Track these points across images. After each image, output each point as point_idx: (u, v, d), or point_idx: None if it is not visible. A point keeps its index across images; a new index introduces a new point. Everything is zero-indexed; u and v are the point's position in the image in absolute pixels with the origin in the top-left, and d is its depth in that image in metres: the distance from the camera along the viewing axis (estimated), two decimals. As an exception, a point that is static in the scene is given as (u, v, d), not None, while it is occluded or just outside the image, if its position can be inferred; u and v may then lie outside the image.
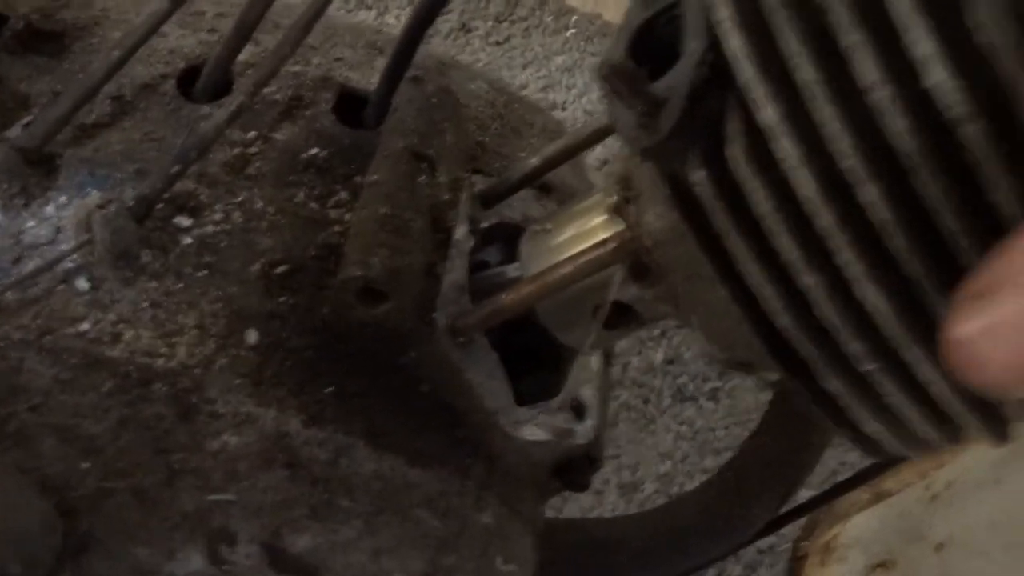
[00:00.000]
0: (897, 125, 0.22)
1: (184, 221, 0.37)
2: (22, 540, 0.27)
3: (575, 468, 0.41)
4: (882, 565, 0.62)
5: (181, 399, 0.32)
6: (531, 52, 1.09)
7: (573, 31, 1.12)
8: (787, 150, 0.24)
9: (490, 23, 1.11)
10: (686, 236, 0.28)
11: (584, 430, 0.41)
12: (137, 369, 0.33)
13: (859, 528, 0.68)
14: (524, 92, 1.03)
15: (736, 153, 0.26)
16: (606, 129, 0.38)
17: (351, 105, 0.43)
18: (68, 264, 0.35)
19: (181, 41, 0.43)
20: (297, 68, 0.43)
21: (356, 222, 0.36)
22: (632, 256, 0.31)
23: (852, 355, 0.27)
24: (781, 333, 0.28)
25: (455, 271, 0.38)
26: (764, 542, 0.80)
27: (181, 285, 0.35)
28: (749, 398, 0.88)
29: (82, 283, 0.34)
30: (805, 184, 0.24)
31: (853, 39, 0.22)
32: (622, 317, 0.36)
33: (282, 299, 0.36)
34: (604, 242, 0.32)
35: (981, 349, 0.19)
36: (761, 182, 0.25)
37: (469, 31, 1.10)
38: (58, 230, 0.36)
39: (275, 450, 0.33)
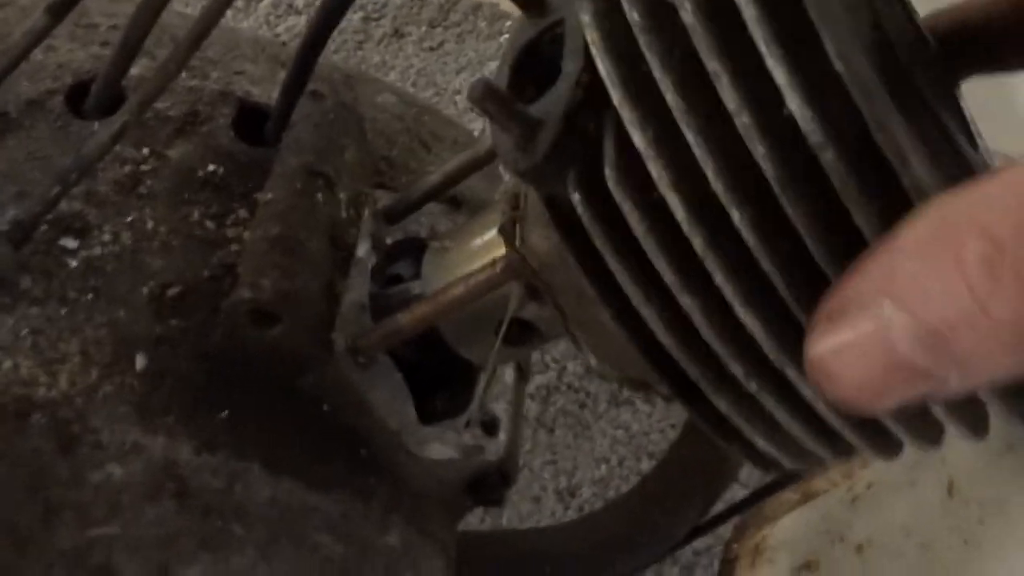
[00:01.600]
0: (758, 150, 0.22)
1: (70, 243, 0.36)
2: None
3: (487, 484, 0.41)
4: (807, 566, 0.63)
5: (61, 430, 0.31)
6: (465, 57, 1.09)
7: (507, 36, 1.11)
8: (659, 173, 0.24)
9: (423, 28, 1.10)
10: (568, 258, 0.27)
11: (495, 446, 0.40)
12: (14, 400, 0.31)
13: (786, 530, 0.69)
14: (458, 98, 1.03)
15: (612, 175, 0.25)
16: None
17: (251, 121, 0.42)
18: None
19: (71, 55, 0.42)
20: (194, 83, 0.42)
21: (249, 243, 0.35)
22: (521, 276, 0.31)
23: (735, 375, 0.27)
24: (667, 353, 0.28)
25: (355, 290, 0.38)
26: (700, 543, 0.80)
27: (65, 310, 0.34)
28: (684, 401, 0.89)
29: (-43, 311, 0.33)
30: (677, 207, 0.24)
31: (714, 66, 0.22)
32: (524, 333, 0.36)
33: (173, 322, 0.35)
34: (494, 262, 0.32)
35: (833, 367, 0.19)
36: (636, 204, 0.25)
37: (402, 36, 1.09)
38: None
39: (163, 480, 0.32)
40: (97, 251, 0.36)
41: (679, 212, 0.24)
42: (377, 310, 0.38)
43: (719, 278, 0.24)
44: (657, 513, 0.53)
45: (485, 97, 0.25)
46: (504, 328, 0.35)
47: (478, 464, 0.39)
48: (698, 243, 0.24)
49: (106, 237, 0.36)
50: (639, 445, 0.86)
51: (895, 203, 0.20)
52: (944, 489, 0.51)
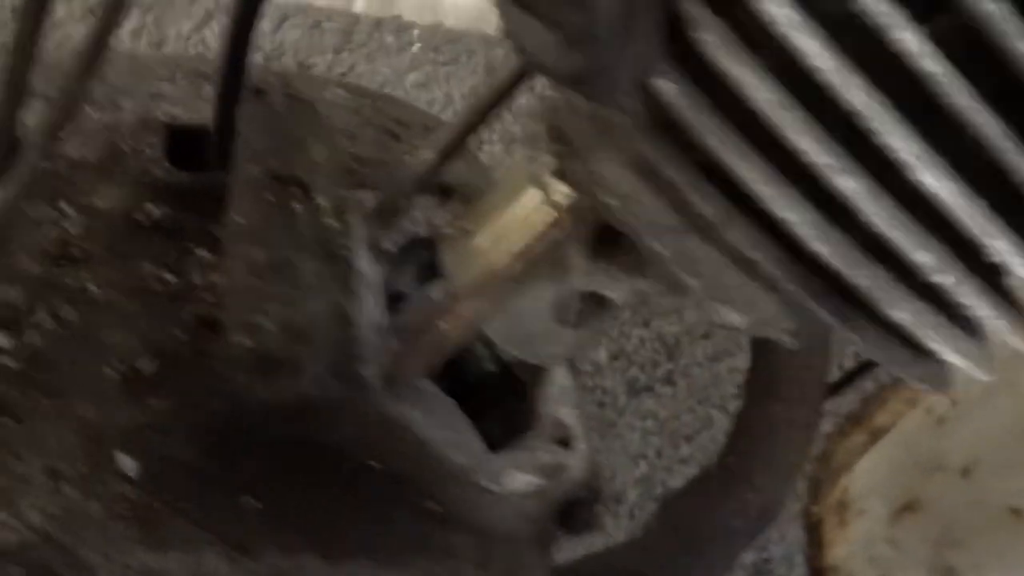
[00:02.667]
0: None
1: (1, 340, 0.28)
2: None
3: (578, 506, 0.34)
4: (907, 507, 0.57)
5: (45, 570, 0.23)
6: (380, 76, 1.02)
7: (418, 45, 1.05)
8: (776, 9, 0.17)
9: (329, 56, 1.04)
10: (662, 176, 0.21)
11: (575, 459, 0.33)
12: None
13: (868, 474, 0.63)
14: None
15: (711, 37, 0.19)
16: (503, 91, 0.31)
17: (186, 145, 0.34)
18: None
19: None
20: (106, 117, 0.34)
21: (228, 281, 0.28)
22: (591, 225, 0.24)
23: (922, 268, 0.20)
24: (818, 264, 0.21)
25: (369, 310, 0.30)
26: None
27: (13, 424, 0.26)
28: (704, 373, 0.83)
29: None
30: (816, 51, 0.17)
31: None
32: (589, 309, 0.29)
33: (154, 404, 0.27)
34: (553, 219, 0.25)
35: None
36: (754, 67, 0.19)
37: (309, 68, 1.02)
38: None
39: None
40: (36, 340, 0.28)
41: (819, 58, 0.17)
42: (399, 331, 0.30)
43: (890, 135, 0.18)
44: (746, 490, 0.47)
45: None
46: (571, 307, 0.28)
47: (564, 488, 0.32)
48: (857, 96, 0.18)
49: (44, 321, 0.28)
50: (672, 431, 0.79)
51: None
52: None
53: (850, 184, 0.19)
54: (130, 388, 0.27)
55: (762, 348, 0.48)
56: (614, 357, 0.83)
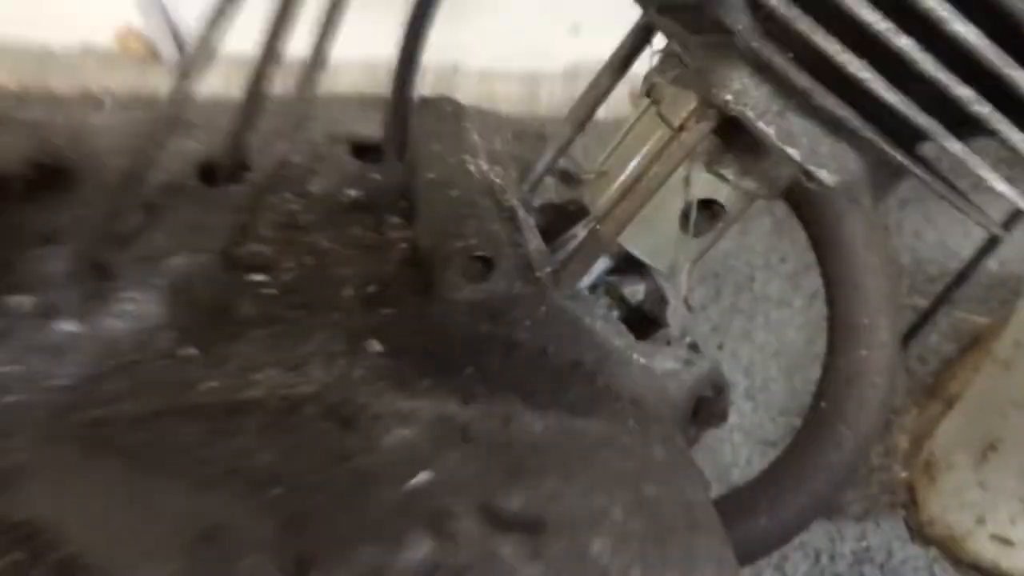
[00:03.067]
0: None
1: (259, 277, 0.37)
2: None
3: (707, 402, 0.41)
4: (990, 448, 0.62)
5: (335, 413, 0.31)
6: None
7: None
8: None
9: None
10: (769, 66, 0.29)
11: (703, 360, 0.41)
12: (279, 401, 0.31)
13: (948, 434, 0.68)
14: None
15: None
16: (618, 65, 0.40)
17: (365, 152, 0.44)
18: (167, 340, 0.33)
19: (186, 145, 0.43)
20: (304, 135, 0.44)
21: (427, 211, 0.37)
22: (716, 118, 0.33)
23: (962, 98, 0.28)
24: (894, 114, 0.29)
25: (534, 240, 0.39)
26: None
27: (285, 328, 0.34)
28: (778, 388, 0.89)
29: (190, 351, 0.33)
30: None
31: None
32: (710, 216, 0.37)
33: (385, 311, 0.36)
34: (670, 121, 0.34)
35: None
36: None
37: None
38: (140, 320, 0.34)
39: (447, 431, 0.31)
40: (287, 278, 0.37)
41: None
42: (556, 253, 0.39)
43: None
44: (840, 426, 0.53)
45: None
46: (693, 211, 0.36)
47: (696, 376, 0.40)
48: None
49: (290, 265, 0.37)
50: (758, 440, 0.84)
51: None
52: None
53: (904, 41, 0.28)
54: (363, 302, 0.36)
55: (841, 302, 0.56)
56: (693, 380, 0.89)
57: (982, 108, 0.29)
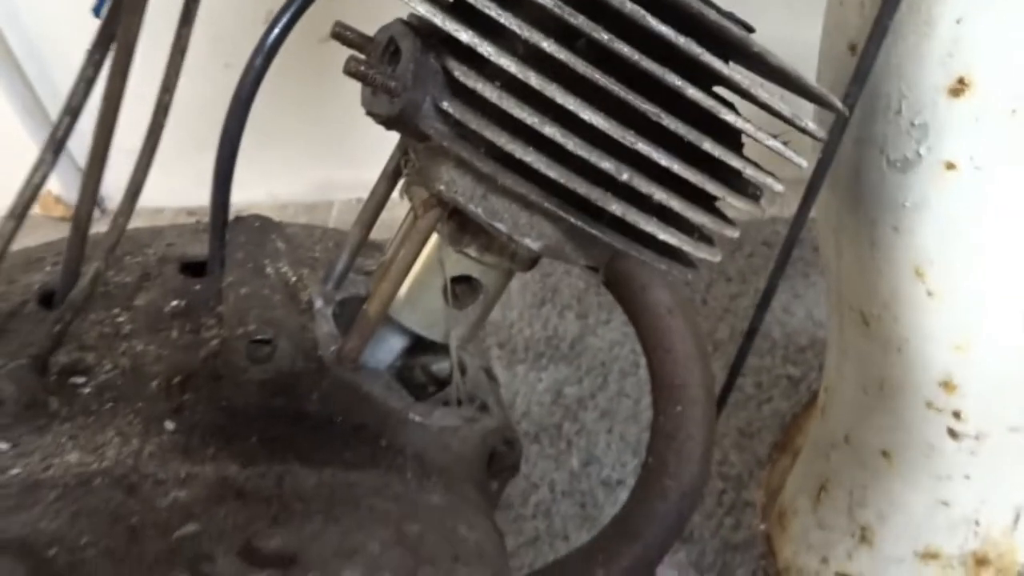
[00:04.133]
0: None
1: (79, 380, 0.42)
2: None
3: (499, 455, 0.46)
4: (822, 489, 0.67)
5: (123, 481, 0.35)
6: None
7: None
8: (487, 50, 0.34)
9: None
10: (463, 160, 0.36)
11: (490, 418, 0.46)
12: (74, 477, 0.36)
13: (793, 482, 0.73)
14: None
15: (460, 74, 0.36)
16: (390, 174, 0.47)
17: (193, 268, 0.51)
18: (-18, 438, 0.38)
19: (32, 278, 0.49)
20: (138, 259, 0.51)
21: (227, 309, 0.43)
22: (444, 209, 0.40)
23: (608, 172, 0.36)
24: (554, 186, 0.36)
25: (325, 325, 0.45)
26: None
27: (92, 418, 0.39)
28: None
29: (2, 445, 0.38)
30: (505, 63, 0.34)
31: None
32: (468, 290, 0.44)
33: (186, 397, 0.41)
34: (413, 211, 0.41)
35: None
36: (486, 83, 0.35)
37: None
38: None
39: (222, 490, 0.36)
40: (103, 378, 0.42)
41: (513, 69, 0.34)
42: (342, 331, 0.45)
43: (561, 99, 0.34)
44: (664, 478, 0.57)
45: (356, 67, 0.35)
46: (448, 286, 0.43)
47: (482, 430, 0.45)
48: (535, 81, 0.34)
49: (107, 367, 0.43)
50: (647, 514, 0.88)
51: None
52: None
53: (551, 130, 0.35)
54: (167, 392, 0.41)
55: (655, 365, 0.62)
56: (585, 463, 0.94)
57: (630, 176, 0.36)
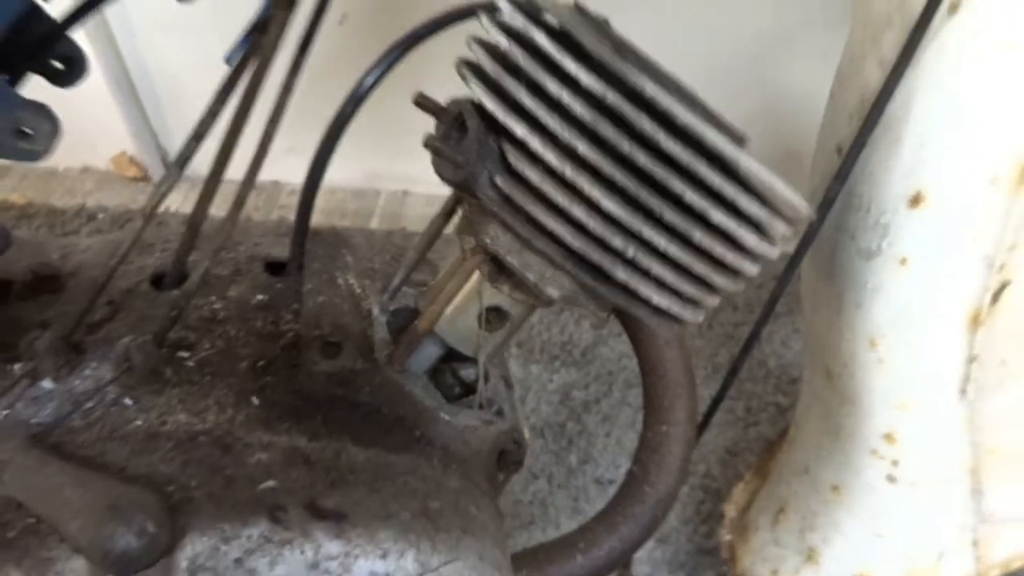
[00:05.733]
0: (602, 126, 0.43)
1: (184, 354, 0.53)
2: (142, 525, 0.39)
3: (508, 452, 0.56)
4: (780, 511, 0.77)
5: (220, 441, 0.46)
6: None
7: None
8: (535, 144, 0.44)
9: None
10: (508, 223, 0.46)
11: (505, 421, 0.56)
12: (184, 433, 0.47)
13: (759, 502, 0.83)
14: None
15: (513, 158, 0.46)
16: (448, 212, 0.57)
17: (276, 267, 0.61)
18: (113, 394, 0.49)
19: (146, 261, 0.60)
20: (232, 255, 0.61)
21: (303, 311, 0.53)
22: (485, 259, 0.50)
23: (619, 248, 0.46)
24: (575, 253, 0.46)
25: (380, 332, 0.55)
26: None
27: (196, 387, 0.50)
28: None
29: (127, 402, 0.49)
30: (549, 157, 0.44)
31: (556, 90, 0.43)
32: (498, 318, 0.54)
33: (267, 379, 0.52)
34: (464, 256, 0.51)
35: None
36: (532, 167, 0.45)
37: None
38: (97, 381, 0.50)
39: (293, 457, 0.47)
40: (203, 354, 0.53)
41: (551, 159, 0.44)
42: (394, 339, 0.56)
43: (584, 186, 0.44)
44: (644, 486, 0.68)
45: (432, 143, 0.46)
46: (483, 314, 0.53)
47: (497, 431, 0.55)
48: (569, 171, 0.44)
49: (206, 345, 0.54)
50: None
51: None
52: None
53: (577, 212, 0.45)
54: (253, 372, 0.52)
55: (649, 387, 0.72)
56: (583, 462, 1.04)
57: (628, 251, 0.46)
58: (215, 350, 0.53)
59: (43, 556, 0.40)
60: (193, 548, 0.42)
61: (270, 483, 0.45)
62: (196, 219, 0.58)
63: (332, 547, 0.43)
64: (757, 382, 1.12)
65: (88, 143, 1.44)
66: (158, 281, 0.59)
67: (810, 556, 0.73)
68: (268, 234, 0.65)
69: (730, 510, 0.85)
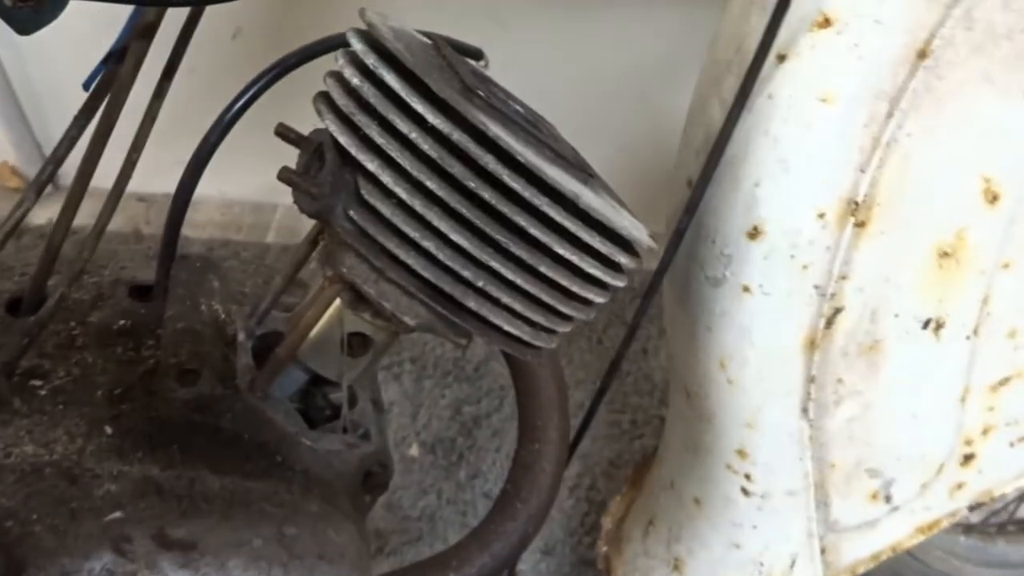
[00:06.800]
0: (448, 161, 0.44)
1: (36, 383, 0.52)
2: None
3: (373, 475, 0.57)
4: (649, 523, 0.80)
5: (67, 472, 0.46)
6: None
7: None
8: (386, 179, 0.45)
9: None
10: (362, 253, 0.48)
11: (370, 445, 0.57)
12: (29, 465, 0.46)
13: (633, 514, 0.86)
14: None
15: (366, 192, 0.47)
16: (312, 239, 0.58)
17: (141, 291, 0.61)
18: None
19: (4, 285, 0.59)
20: (96, 279, 0.61)
21: (165, 337, 0.53)
22: (344, 287, 0.51)
23: (469, 278, 0.47)
24: (428, 283, 0.48)
25: (243, 357, 0.56)
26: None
27: (46, 417, 0.50)
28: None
29: (-29, 433, 0.48)
30: (399, 191, 0.46)
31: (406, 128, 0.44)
32: (361, 345, 0.55)
33: (123, 407, 0.52)
34: (322, 286, 0.52)
35: None
36: (385, 201, 0.46)
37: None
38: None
39: (144, 486, 0.47)
40: (57, 383, 0.52)
41: (402, 193, 0.45)
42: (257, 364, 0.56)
43: (434, 217, 0.46)
44: (515, 502, 0.70)
45: (287, 175, 0.46)
46: (345, 339, 0.54)
47: (361, 454, 0.56)
48: (418, 203, 0.46)
49: (61, 374, 0.53)
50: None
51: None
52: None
53: (428, 243, 0.46)
54: (109, 400, 0.52)
55: (522, 407, 0.74)
56: (472, 476, 1.06)
57: (478, 281, 0.47)
58: (70, 378, 0.53)
59: None
60: (31, 583, 0.41)
61: (117, 514, 0.44)
62: (52, 243, 0.58)
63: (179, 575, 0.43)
64: (643, 395, 1.16)
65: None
66: (14, 306, 0.58)
67: (676, 566, 0.76)
68: (136, 258, 0.65)
69: (607, 522, 0.87)
